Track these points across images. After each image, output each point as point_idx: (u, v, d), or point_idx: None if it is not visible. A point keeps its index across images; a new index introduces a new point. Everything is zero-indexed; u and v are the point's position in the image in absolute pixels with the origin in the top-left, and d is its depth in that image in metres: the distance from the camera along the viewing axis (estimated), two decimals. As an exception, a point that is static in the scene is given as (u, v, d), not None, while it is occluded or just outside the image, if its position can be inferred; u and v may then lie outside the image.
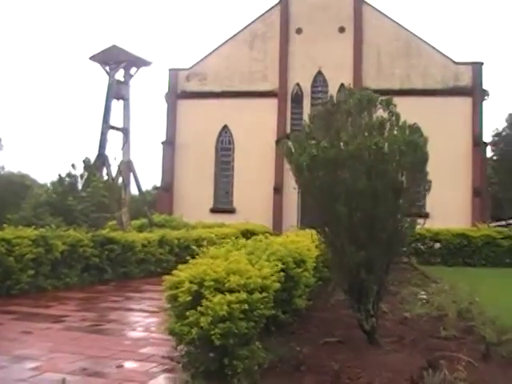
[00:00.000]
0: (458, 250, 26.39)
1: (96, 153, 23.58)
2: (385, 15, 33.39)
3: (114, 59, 28.63)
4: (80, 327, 10.26)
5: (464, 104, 31.67)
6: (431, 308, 11.94)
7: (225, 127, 34.47)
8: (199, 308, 6.63)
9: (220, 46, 34.97)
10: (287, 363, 7.60)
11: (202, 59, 35.18)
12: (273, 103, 33.69)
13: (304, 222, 34.87)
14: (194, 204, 33.15)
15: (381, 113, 9.10)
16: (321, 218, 8.85)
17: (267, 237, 11.07)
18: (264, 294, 7.12)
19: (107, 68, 28.16)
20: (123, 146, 28.39)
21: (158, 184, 37.24)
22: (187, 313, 6.67)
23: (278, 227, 31.34)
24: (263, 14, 34.64)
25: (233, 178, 34.61)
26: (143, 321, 11.25)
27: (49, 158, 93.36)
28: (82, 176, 18.26)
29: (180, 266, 7.66)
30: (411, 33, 33.13)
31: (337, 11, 33.46)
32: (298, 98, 33.79)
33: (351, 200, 8.43)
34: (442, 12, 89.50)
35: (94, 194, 17.14)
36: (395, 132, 8.75)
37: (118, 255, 16.96)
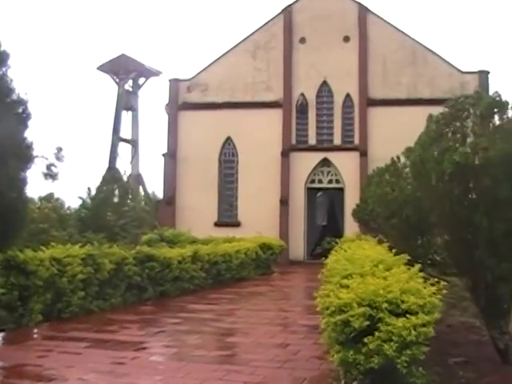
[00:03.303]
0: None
1: (106, 166, 22.82)
2: (390, 24, 32.85)
3: (123, 69, 27.71)
4: (169, 355, 9.43)
5: (471, 112, 31.24)
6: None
7: (228, 139, 33.62)
8: (377, 334, 5.89)
9: (222, 56, 34.12)
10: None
11: (203, 69, 34.29)
12: (277, 114, 32.95)
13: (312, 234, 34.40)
14: (197, 218, 32.21)
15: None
16: (456, 229, 8.14)
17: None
18: (436, 315, 6.42)
19: (116, 78, 27.33)
20: (132, 158, 27.48)
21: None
22: (365, 339, 5.93)
23: (284, 240, 30.56)
24: (266, 24, 33.82)
25: (237, 190, 33.77)
26: (228, 344, 10.45)
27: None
28: (113, 191, 17.30)
29: (325, 287, 6.97)
30: (417, 42, 32.65)
31: (341, 20, 32.87)
32: (302, 109, 33.09)
33: (492, 210, 7.76)
34: (446, 21, 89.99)
35: (136, 209, 16.26)
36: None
37: (158, 273, 16.09)
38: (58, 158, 16.06)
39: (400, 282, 6.55)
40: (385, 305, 6.12)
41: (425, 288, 6.62)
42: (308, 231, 33.68)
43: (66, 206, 24.95)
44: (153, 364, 8.78)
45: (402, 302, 6.20)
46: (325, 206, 39.21)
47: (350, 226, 29.67)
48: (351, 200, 29.98)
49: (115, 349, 9.76)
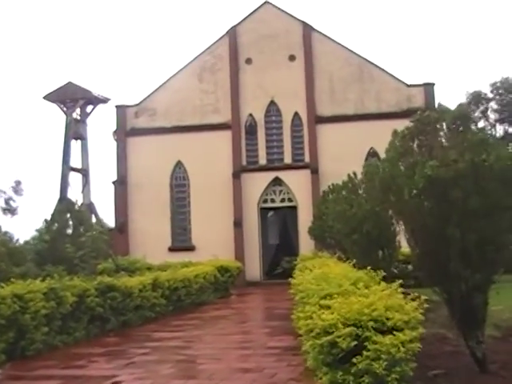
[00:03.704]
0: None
1: (58, 196, 22.39)
2: (335, 41, 33.23)
3: (70, 97, 27.24)
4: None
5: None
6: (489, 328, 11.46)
7: (178, 163, 33.42)
8: (366, 353, 5.85)
9: (168, 79, 33.95)
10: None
11: (150, 94, 34.04)
12: (226, 136, 32.93)
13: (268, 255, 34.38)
14: (151, 244, 31.88)
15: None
16: (428, 242, 8.20)
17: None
18: (421, 330, 6.42)
19: (64, 107, 26.82)
20: (83, 187, 27.01)
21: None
22: (353, 359, 5.88)
23: (240, 261, 30.46)
24: (211, 46, 33.84)
25: (190, 214, 33.54)
26: (203, 372, 10.29)
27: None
28: (67, 221, 16.95)
29: (304, 309, 6.91)
30: (363, 58, 33.07)
31: (286, 39, 33.14)
32: (251, 129, 33.14)
33: (463, 221, 7.86)
34: (391, 35, 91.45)
35: (95, 240, 15.95)
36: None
37: (119, 303, 15.82)
38: (17, 192, 15.60)
39: (382, 299, 6.53)
40: (370, 323, 6.09)
41: (406, 304, 6.63)
42: (263, 251, 33.67)
43: (15, 239, 24.54)
44: (130, 398, 8.56)
45: (387, 319, 6.17)
46: (276, 225, 39.25)
47: (305, 244, 29.76)
48: (305, 218, 30.12)
49: (89, 385, 9.51)
